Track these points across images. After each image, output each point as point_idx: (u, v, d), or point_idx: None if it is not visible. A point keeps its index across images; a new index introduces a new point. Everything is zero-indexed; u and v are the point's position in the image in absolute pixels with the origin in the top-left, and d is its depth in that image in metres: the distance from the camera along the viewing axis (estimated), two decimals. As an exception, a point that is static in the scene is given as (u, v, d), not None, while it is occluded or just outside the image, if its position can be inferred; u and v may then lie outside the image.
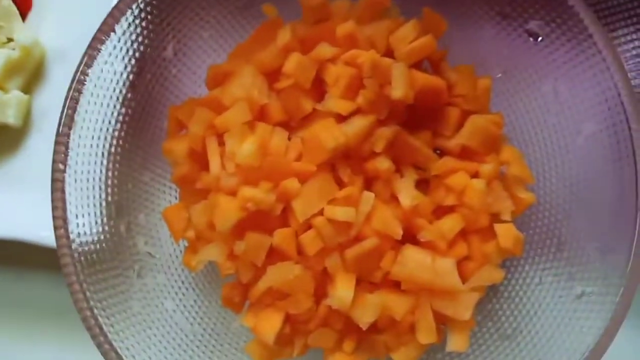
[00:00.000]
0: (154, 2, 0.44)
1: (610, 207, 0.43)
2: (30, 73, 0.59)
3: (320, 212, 0.42)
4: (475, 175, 0.46)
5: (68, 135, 0.41)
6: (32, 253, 0.57)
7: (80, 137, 0.42)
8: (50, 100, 0.59)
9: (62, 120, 0.41)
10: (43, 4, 0.61)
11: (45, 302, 0.61)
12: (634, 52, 0.56)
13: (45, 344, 0.61)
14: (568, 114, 0.46)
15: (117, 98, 0.45)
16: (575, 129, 0.46)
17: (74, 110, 0.41)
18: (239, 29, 0.50)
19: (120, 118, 0.45)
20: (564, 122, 0.46)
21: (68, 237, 0.41)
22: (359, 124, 0.43)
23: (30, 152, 0.59)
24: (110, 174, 0.45)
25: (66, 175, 0.41)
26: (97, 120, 0.44)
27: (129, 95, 0.45)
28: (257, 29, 0.47)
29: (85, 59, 0.42)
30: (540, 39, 0.46)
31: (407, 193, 0.44)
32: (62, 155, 0.41)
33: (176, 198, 0.51)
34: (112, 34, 0.43)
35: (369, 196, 0.43)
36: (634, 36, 0.56)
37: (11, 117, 0.57)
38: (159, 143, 0.48)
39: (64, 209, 0.41)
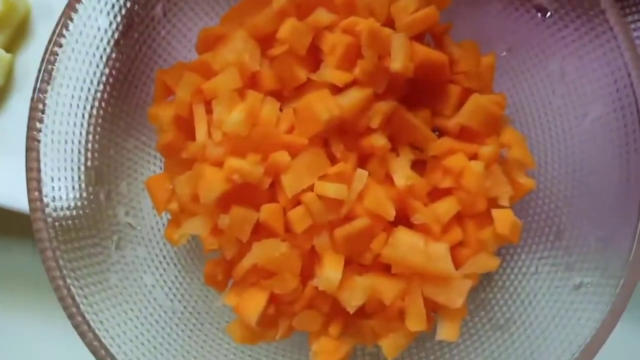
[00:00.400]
0: (144, -43, 0.43)
1: (614, 195, 0.42)
2: (14, 30, 0.57)
3: (311, 188, 0.41)
4: (474, 157, 0.44)
5: (46, 92, 0.40)
6: (11, 220, 0.56)
7: (59, 94, 0.41)
8: (34, 59, 0.55)
9: (41, 75, 0.39)
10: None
11: (27, 272, 0.59)
12: (644, 40, 0.55)
13: (28, 314, 0.60)
14: (574, 96, 0.45)
15: (101, 57, 0.43)
16: (581, 111, 0.44)
17: (53, 65, 0.39)
18: (233, -8, 0.48)
19: (104, 79, 0.43)
20: (570, 104, 0.45)
21: (42, 201, 0.39)
22: (355, 96, 0.42)
23: (11, 112, 0.57)
24: (91, 137, 0.43)
25: (42, 134, 0.40)
26: (78, 78, 0.42)
27: (114, 54, 0.43)
28: (252, -7, 0.45)
29: (68, 10, 0.40)
30: (548, 14, 0.44)
31: (402, 173, 0.43)
32: (39, 112, 0.40)
33: (161, 168, 0.49)
34: (96, -14, 0.41)
35: (362, 174, 0.42)
36: (645, 24, 0.55)
37: (-8, 76, 0.55)
38: (144, 108, 0.47)
39: (39, 170, 0.39)
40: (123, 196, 0.46)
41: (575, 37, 0.43)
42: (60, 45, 0.40)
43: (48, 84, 0.39)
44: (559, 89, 0.46)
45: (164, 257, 0.48)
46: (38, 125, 0.40)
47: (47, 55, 0.39)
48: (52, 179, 0.41)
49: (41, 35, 0.58)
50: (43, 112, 0.40)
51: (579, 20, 0.42)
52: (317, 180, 0.41)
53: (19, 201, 0.53)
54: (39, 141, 0.40)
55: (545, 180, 0.47)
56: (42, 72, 0.39)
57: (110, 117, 0.45)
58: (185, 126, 0.44)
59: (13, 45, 0.58)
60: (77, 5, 0.40)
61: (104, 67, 0.43)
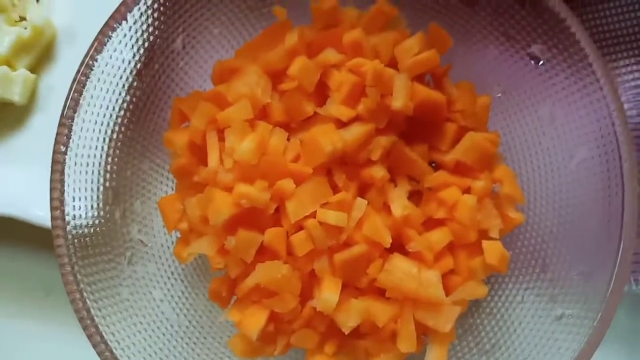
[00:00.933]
0: (167, -6, 0.45)
1: (596, 233, 0.44)
2: (40, 53, 0.59)
3: (313, 215, 0.43)
4: (467, 191, 0.46)
5: (72, 119, 0.42)
6: (24, 231, 0.57)
7: (84, 121, 0.43)
8: (57, 81, 0.60)
9: (68, 102, 0.42)
10: (57, -15, 0.61)
11: (34, 281, 0.61)
12: (632, 84, 0.57)
13: (30, 322, 0.61)
14: (562, 139, 0.47)
15: (124, 85, 0.45)
16: (568, 153, 0.46)
17: (80, 94, 0.42)
18: (248, 28, 0.51)
19: (125, 105, 0.46)
20: (558, 146, 0.47)
21: (64, 219, 0.41)
22: (357, 130, 0.44)
23: (33, 131, 0.59)
24: (110, 159, 0.45)
25: (67, 157, 0.42)
26: (101, 105, 0.44)
27: (135, 83, 0.46)
28: (265, 30, 0.48)
29: (95, 44, 0.42)
30: (541, 62, 0.47)
31: (399, 203, 0.45)
32: (65, 137, 0.42)
33: (173, 189, 0.51)
34: (123, 22, 0.43)
35: (361, 203, 0.44)
36: (634, 67, 0.57)
37: (16, 95, 0.57)
38: (160, 133, 0.49)
39: (62, 191, 0.42)
40: (136, 215, 0.48)
41: (565, 85, 0.45)
42: (88, 76, 0.42)
43: (74, 111, 0.42)
44: (548, 131, 0.48)
45: (172, 274, 0.49)
46: (62, 148, 0.42)
47: (74, 85, 0.42)
48: (74, 199, 0.43)
49: (65, 59, 0.60)
50: (68, 137, 0.42)
51: (569, 70, 0.44)
52: (319, 207, 0.43)
53: (34, 214, 0.55)
54: (63, 163, 0.42)
55: (533, 215, 0.49)
56: (69, 99, 0.42)
57: (129, 141, 0.47)
58: (198, 152, 0.46)
59: (38, 67, 0.60)
60: (104, 39, 0.42)
61: (126, 95, 0.45)
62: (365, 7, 0.47)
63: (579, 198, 0.46)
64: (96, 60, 0.43)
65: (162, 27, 0.46)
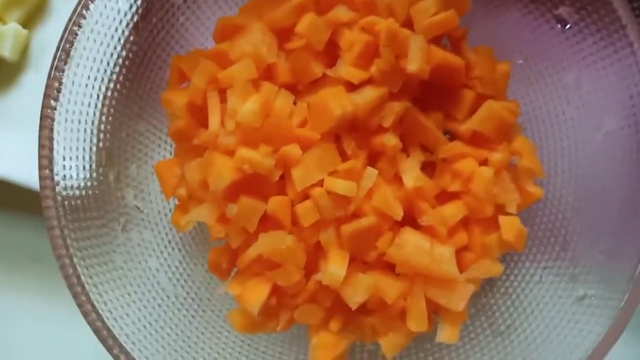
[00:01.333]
0: (168, -58, 0.43)
1: (622, 210, 0.42)
2: (32, 7, 0.57)
3: (320, 183, 0.41)
4: (484, 163, 0.45)
5: (63, 71, 0.40)
6: (15, 194, 0.56)
7: (75, 74, 0.41)
8: (50, 37, 0.57)
9: (58, 54, 0.40)
10: None
11: (24, 247, 0.60)
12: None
13: (19, 289, 0.60)
14: (589, 108, 0.45)
15: (119, 39, 0.43)
16: (594, 124, 0.44)
17: (72, 44, 0.40)
18: (254, -17, 0.49)
19: (120, 61, 0.44)
20: (584, 116, 0.45)
21: (52, 179, 0.40)
22: (369, 94, 0.42)
23: (25, 89, 0.57)
24: (104, 118, 0.43)
25: (57, 113, 0.40)
26: (95, 59, 0.42)
27: (132, 37, 0.44)
28: (273, -15, 0.45)
29: (89, -9, 0.40)
30: (568, 26, 0.44)
31: (411, 173, 0.43)
32: (55, 91, 0.40)
33: (171, 153, 0.49)
34: (120, -31, 0.41)
35: (372, 172, 0.42)
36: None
37: (7, 51, 0.55)
38: (158, 93, 0.47)
39: (51, 149, 0.40)
40: (132, 179, 0.46)
41: (593, 50, 0.43)
42: (80, 26, 0.40)
43: (65, 63, 0.40)
44: (573, 100, 0.46)
45: (169, 242, 0.48)
46: (53, 103, 0.40)
47: (66, 35, 0.40)
48: (64, 158, 0.41)
49: (58, 14, 0.58)
50: (59, 90, 0.40)
51: (599, 34, 0.42)
52: (327, 175, 0.41)
53: (25, 176, 0.53)
54: (52, 119, 0.40)
55: (554, 190, 0.47)
56: (60, 50, 0.40)
57: (124, 100, 0.45)
58: (198, 113, 0.44)
59: (30, 21, 0.57)
60: (99, -14, 0.40)
61: (121, 50, 0.43)
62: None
63: (603, 171, 0.44)
64: (89, 10, 0.40)
65: (161, -23, 0.44)
